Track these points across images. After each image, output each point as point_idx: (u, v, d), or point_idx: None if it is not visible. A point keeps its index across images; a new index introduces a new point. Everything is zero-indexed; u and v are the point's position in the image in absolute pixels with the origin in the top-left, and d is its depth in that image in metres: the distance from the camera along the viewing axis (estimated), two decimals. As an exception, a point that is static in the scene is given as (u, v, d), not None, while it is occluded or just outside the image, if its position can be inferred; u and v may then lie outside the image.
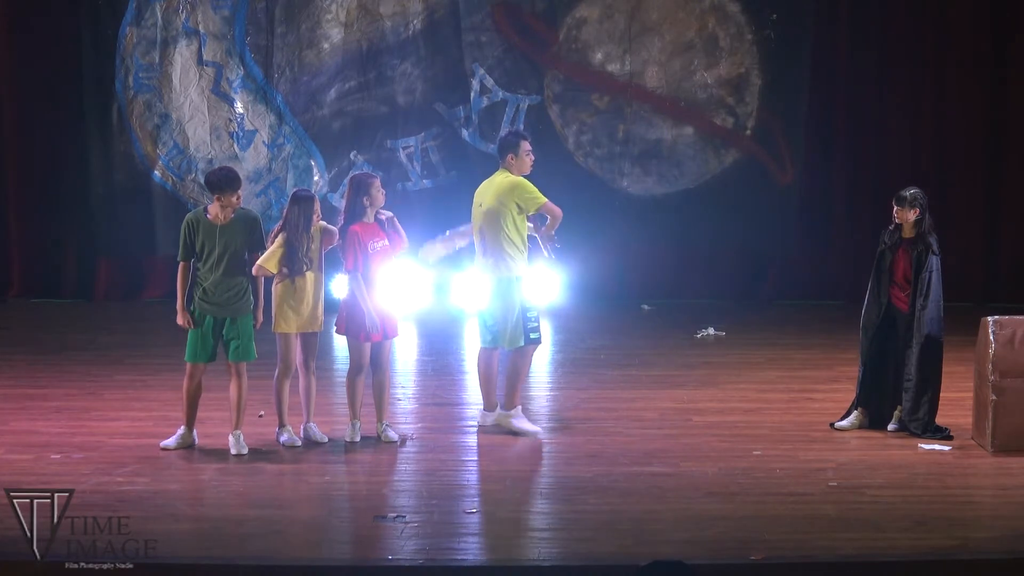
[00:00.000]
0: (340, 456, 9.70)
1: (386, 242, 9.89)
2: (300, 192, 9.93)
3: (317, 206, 9.82)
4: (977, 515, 8.55)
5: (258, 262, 9.69)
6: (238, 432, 9.73)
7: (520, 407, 10.21)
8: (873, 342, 10.15)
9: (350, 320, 9.84)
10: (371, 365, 9.94)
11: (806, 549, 7.76)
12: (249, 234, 9.72)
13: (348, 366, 10.01)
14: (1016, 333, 9.67)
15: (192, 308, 9.68)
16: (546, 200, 10.07)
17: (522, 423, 10.15)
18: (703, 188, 15.92)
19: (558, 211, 10.10)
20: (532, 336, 10.08)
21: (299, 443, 9.83)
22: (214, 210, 9.69)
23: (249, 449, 9.69)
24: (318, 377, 10.08)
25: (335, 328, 9.98)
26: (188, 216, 9.81)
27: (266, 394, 10.67)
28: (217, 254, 9.62)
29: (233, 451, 9.65)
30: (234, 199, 9.66)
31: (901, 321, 10.03)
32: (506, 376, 10.20)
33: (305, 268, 9.72)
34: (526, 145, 10.19)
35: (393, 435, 9.92)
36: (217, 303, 9.65)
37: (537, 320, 10.13)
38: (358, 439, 9.93)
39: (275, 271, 9.71)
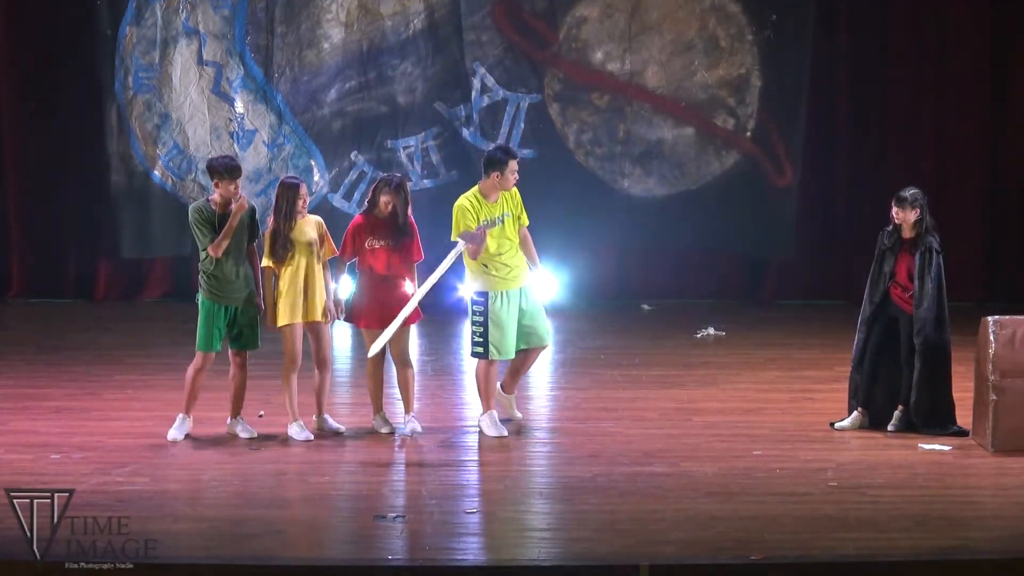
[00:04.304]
0: (340, 456, 9.71)
1: (390, 243, 9.95)
2: (286, 179, 10.03)
3: (303, 191, 9.91)
4: (977, 515, 8.54)
5: (262, 263, 9.85)
6: (240, 418, 9.96)
7: (494, 412, 10.16)
8: (869, 343, 10.16)
9: (353, 308, 10.06)
10: (394, 358, 10.10)
11: (806, 549, 7.75)
12: (250, 223, 9.87)
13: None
14: (1016, 333, 9.66)
15: (202, 298, 9.77)
16: (461, 232, 9.92)
17: (486, 427, 10.13)
18: (704, 189, 15.91)
19: (470, 249, 9.92)
20: (475, 351, 10.08)
21: (311, 437, 9.91)
22: (217, 199, 9.79)
23: (249, 449, 9.72)
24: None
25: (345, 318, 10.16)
26: (197, 205, 9.84)
27: (265, 393, 10.69)
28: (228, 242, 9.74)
29: (244, 435, 9.90)
30: (232, 188, 9.75)
31: (905, 321, 10.03)
32: None
33: (288, 253, 9.80)
34: (514, 164, 10.05)
35: (413, 428, 10.03)
36: (229, 293, 9.75)
37: (483, 338, 10.00)
38: (384, 431, 10.06)
39: (273, 263, 9.85)
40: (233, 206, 9.71)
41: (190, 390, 9.83)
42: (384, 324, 9.97)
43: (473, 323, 10.09)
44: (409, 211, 10.04)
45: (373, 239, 9.97)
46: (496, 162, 10.05)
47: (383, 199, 9.97)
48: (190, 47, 15.75)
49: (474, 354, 10.12)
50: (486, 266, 10.00)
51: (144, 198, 15.85)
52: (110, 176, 15.84)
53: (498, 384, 10.37)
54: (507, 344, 10.09)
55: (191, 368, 9.83)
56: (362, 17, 15.80)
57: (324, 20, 15.79)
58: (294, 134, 15.82)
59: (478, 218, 9.96)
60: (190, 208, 9.86)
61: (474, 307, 10.07)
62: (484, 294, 10.04)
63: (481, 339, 10.04)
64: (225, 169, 9.75)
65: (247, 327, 9.86)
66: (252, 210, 9.91)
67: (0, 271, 16.03)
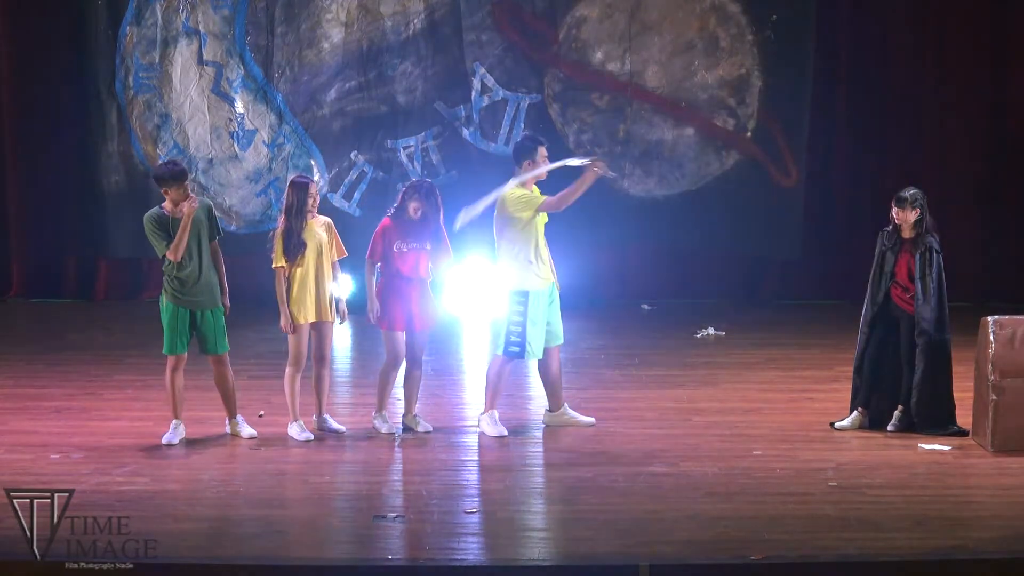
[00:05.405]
0: (340, 456, 9.72)
1: (419, 246, 10.01)
2: (296, 178, 10.05)
3: (313, 190, 9.95)
4: (977, 515, 8.54)
5: (274, 264, 9.82)
6: (239, 417, 9.95)
7: (495, 412, 10.17)
8: (870, 343, 10.16)
9: (381, 310, 10.05)
10: (408, 359, 10.13)
11: (806, 549, 7.76)
12: (208, 221, 9.83)
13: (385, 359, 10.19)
14: (1016, 333, 9.66)
15: (165, 302, 9.75)
16: (543, 200, 9.94)
17: (486, 427, 10.14)
18: (704, 190, 15.92)
19: (563, 199, 9.84)
20: (510, 350, 10.05)
21: (311, 437, 9.90)
22: (169, 204, 9.76)
23: (250, 449, 9.72)
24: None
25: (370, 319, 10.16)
26: (150, 214, 9.80)
27: (265, 393, 10.70)
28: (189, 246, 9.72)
29: (244, 435, 9.90)
30: (181, 192, 9.72)
31: (905, 322, 10.03)
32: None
33: (299, 253, 9.79)
34: (543, 151, 10.06)
35: (425, 426, 10.13)
36: (192, 296, 9.72)
37: (521, 337, 9.98)
38: (384, 430, 10.06)
39: (286, 263, 9.82)
40: (184, 207, 9.69)
41: (172, 393, 9.81)
42: (409, 326, 9.99)
43: (511, 322, 10.00)
44: (440, 215, 10.08)
45: (402, 242, 10.02)
46: (526, 150, 10.08)
47: (412, 204, 10.03)
48: (190, 47, 15.76)
49: (509, 353, 10.04)
50: (530, 262, 9.98)
51: (144, 198, 15.77)
52: (111, 176, 15.85)
53: (546, 411, 10.44)
54: (540, 344, 10.12)
55: (167, 372, 9.82)
56: (362, 17, 15.81)
57: (324, 20, 15.79)
58: (294, 134, 15.83)
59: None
60: (144, 217, 9.83)
61: (515, 306, 10.02)
62: (526, 293, 10.00)
63: (519, 339, 9.99)
64: (171, 175, 9.75)
65: (213, 331, 9.81)
66: (208, 207, 9.88)
67: (0, 271, 16.04)
